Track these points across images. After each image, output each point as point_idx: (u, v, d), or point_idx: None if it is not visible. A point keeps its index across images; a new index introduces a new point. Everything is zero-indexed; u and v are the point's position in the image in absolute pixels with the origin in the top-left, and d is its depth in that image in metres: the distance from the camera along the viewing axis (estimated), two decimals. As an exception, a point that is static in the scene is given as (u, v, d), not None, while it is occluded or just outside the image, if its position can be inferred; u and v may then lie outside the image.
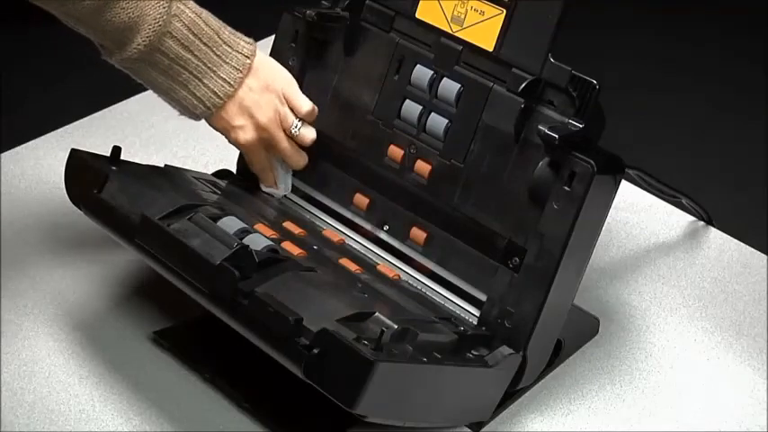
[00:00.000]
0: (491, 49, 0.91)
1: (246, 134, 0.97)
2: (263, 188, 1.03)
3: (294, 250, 0.91)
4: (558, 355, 0.96)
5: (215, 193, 0.99)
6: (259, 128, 0.97)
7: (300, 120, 0.98)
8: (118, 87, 1.13)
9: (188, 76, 0.93)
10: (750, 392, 0.99)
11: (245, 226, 0.88)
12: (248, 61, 0.95)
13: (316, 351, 0.74)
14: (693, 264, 1.14)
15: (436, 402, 0.84)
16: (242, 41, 0.96)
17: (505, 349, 0.87)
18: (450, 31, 0.94)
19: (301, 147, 1.00)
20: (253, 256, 0.82)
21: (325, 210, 1.02)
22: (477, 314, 0.91)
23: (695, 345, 1.04)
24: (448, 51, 0.94)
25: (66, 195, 0.94)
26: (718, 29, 3.13)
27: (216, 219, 0.88)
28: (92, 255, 1.05)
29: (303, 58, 1.01)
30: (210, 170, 1.05)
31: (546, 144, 0.85)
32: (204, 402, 0.91)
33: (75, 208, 0.94)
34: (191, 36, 0.92)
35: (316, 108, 0.98)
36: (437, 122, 0.95)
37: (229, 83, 0.94)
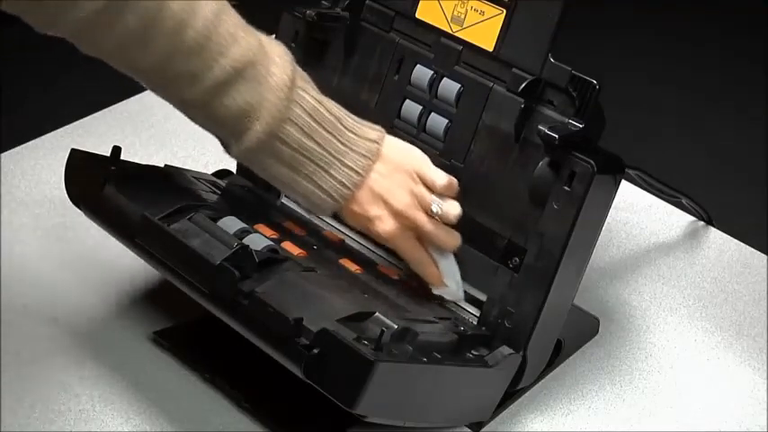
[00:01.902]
0: (491, 49, 0.91)
1: (386, 224, 0.88)
2: (434, 291, 0.92)
3: (294, 250, 0.91)
4: (558, 355, 0.96)
5: (215, 193, 0.99)
6: (397, 214, 0.88)
7: (439, 196, 0.90)
8: (118, 87, 1.12)
9: (313, 168, 0.86)
10: (750, 392, 0.99)
11: (245, 226, 0.88)
12: (376, 146, 0.88)
13: (316, 351, 0.74)
14: (693, 264, 1.14)
15: (436, 402, 0.84)
16: (367, 127, 0.89)
17: (505, 349, 0.87)
18: (450, 31, 0.94)
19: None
20: (253, 256, 0.82)
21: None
22: (478, 314, 0.91)
23: (695, 345, 1.04)
24: (448, 51, 0.94)
25: (66, 195, 0.94)
26: (718, 29, 3.13)
27: (216, 219, 0.88)
28: (92, 255, 1.05)
29: (303, 58, 1.01)
30: (210, 170, 1.05)
31: (546, 144, 0.85)
32: (204, 402, 0.91)
33: (75, 208, 0.94)
34: (313, 123, 0.85)
35: (454, 180, 0.90)
36: (437, 122, 0.95)
37: (357, 171, 0.87)
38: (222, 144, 0.88)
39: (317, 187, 0.87)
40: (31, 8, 0.77)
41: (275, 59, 0.84)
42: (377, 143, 0.88)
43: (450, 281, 0.91)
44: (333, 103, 0.88)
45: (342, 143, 0.87)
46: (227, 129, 0.85)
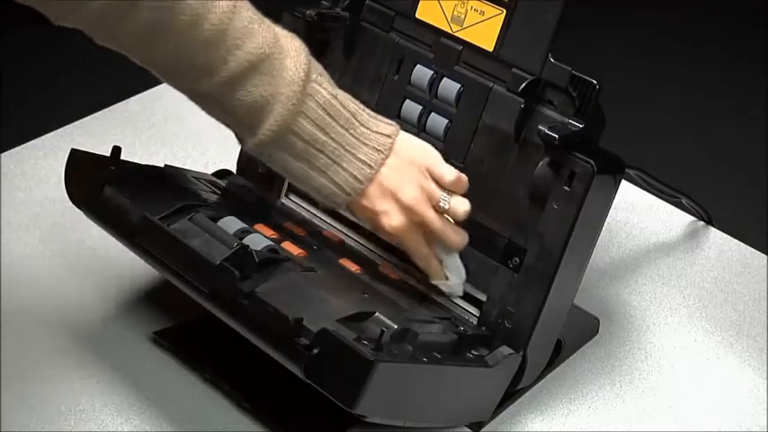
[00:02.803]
0: (491, 49, 0.91)
1: (393, 219, 0.88)
2: (435, 283, 0.92)
3: (294, 250, 0.91)
4: (558, 355, 0.96)
5: (215, 193, 0.99)
6: (405, 209, 0.87)
7: (449, 192, 0.89)
8: (118, 87, 1.13)
9: (326, 161, 0.85)
10: (750, 392, 0.99)
11: (245, 226, 0.88)
12: (389, 141, 0.87)
13: (316, 351, 0.74)
14: (693, 264, 1.14)
15: (436, 402, 0.84)
16: (382, 123, 0.88)
17: (505, 349, 0.87)
18: (450, 31, 0.94)
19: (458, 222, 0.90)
20: (253, 256, 0.82)
21: (325, 210, 1.02)
22: (478, 314, 0.91)
23: (695, 345, 1.04)
24: (448, 51, 0.94)
25: (66, 195, 0.94)
26: (718, 29, 3.13)
27: (216, 219, 0.88)
28: (92, 255, 1.05)
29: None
30: (210, 170, 1.05)
31: (546, 144, 0.85)
32: (204, 402, 0.91)
33: (75, 208, 0.94)
34: (326, 117, 0.85)
35: (464, 176, 0.89)
36: (437, 122, 0.95)
37: (369, 165, 0.86)
38: (236, 137, 0.87)
39: (329, 180, 0.86)
40: (43, 2, 0.78)
41: (290, 53, 0.84)
42: (390, 138, 0.88)
43: (453, 276, 0.91)
44: (349, 97, 0.87)
45: (355, 137, 0.86)
46: (241, 121, 0.85)
